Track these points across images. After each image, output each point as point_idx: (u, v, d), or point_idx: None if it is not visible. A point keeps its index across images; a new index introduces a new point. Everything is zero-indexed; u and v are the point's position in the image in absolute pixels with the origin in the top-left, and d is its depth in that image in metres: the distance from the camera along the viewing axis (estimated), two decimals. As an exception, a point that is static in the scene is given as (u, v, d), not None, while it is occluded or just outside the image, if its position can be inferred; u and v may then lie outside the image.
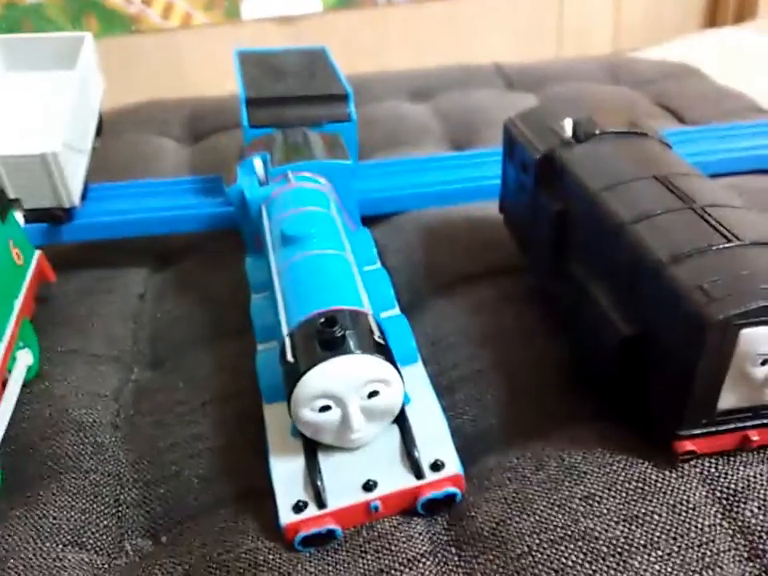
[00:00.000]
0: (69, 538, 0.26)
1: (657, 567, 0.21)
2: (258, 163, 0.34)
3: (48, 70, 0.45)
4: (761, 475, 0.23)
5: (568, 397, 0.29)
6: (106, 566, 0.25)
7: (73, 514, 0.26)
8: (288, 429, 0.26)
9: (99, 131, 0.45)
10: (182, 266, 0.42)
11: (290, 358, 0.24)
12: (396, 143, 0.55)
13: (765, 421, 0.23)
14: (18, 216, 0.36)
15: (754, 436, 0.23)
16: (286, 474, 0.24)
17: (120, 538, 0.26)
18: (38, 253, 0.35)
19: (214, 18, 0.80)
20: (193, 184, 0.44)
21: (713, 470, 0.23)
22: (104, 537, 0.26)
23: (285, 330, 0.25)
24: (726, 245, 0.23)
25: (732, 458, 0.24)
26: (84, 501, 0.27)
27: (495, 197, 0.39)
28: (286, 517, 0.23)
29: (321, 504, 0.23)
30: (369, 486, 0.24)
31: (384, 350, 0.24)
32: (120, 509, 0.27)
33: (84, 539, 0.26)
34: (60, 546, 0.25)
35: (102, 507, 0.27)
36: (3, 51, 0.45)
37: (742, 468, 0.23)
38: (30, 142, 0.36)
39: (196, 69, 0.79)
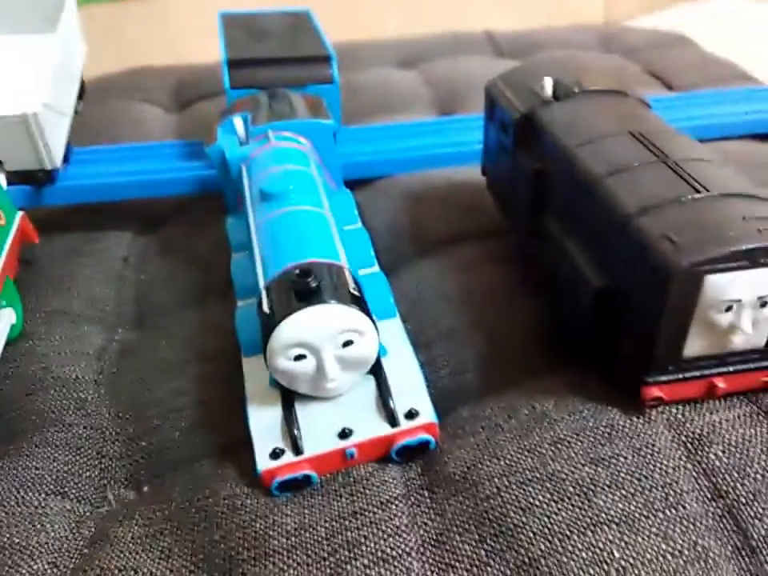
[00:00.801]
0: (52, 487, 0.26)
1: (620, 506, 0.21)
2: (238, 123, 0.34)
3: (29, 33, 0.44)
4: (726, 421, 0.24)
5: (546, 355, 0.30)
6: (88, 513, 0.26)
7: (56, 465, 0.27)
8: (266, 380, 0.26)
9: (81, 94, 0.44)
10: (165, 229, 0.42)
11: (266, 309, 0.24)
12: (384, 109, 0.55)
13: (730, 368, 0.24)
14: (0, 178, 0.36)
15: (720, 383, 0.24)
16: (264, 423, 0.25)
17: (103, 488, 0.27)
18: (20, 213, 0.35)
19: (201, -15, 0.78)
20: (176, 148, 0.44)
21: (679, 416, 0.24)
22: (87, 487, 0.27)
23: (262, 284, 0.26)
24: (695, 196, 0.23)
25: (698, 405, 0.24)
26: (67, 453, 0.28)
27: (478, 161, 0.39)
28: (263, 463, 0.24)
29: (297, 451, 0.24)
30: (345, 434, 0.24)
31: (358, 301, 0.24)
32: (103, 460, 0.28)
33: (67, 489, 0.26)
34: (43, 495, 0.26)
35: (85, 459, 0.28)
36: (-17, 13, 0.44)
37: (707, 414, 0.24)
38: (10, 103, 0.36)
39: (183, 36, 0.78)
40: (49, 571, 0.23)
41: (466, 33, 0.74)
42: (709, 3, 0.92)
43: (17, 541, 0.24)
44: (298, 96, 0.38)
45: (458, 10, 0.90)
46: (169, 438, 0.28)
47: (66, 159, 0.40)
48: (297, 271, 0.24)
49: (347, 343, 0.24)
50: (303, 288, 0.23)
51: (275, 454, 0.24)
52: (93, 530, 0.25)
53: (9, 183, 0.37)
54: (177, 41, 0.78)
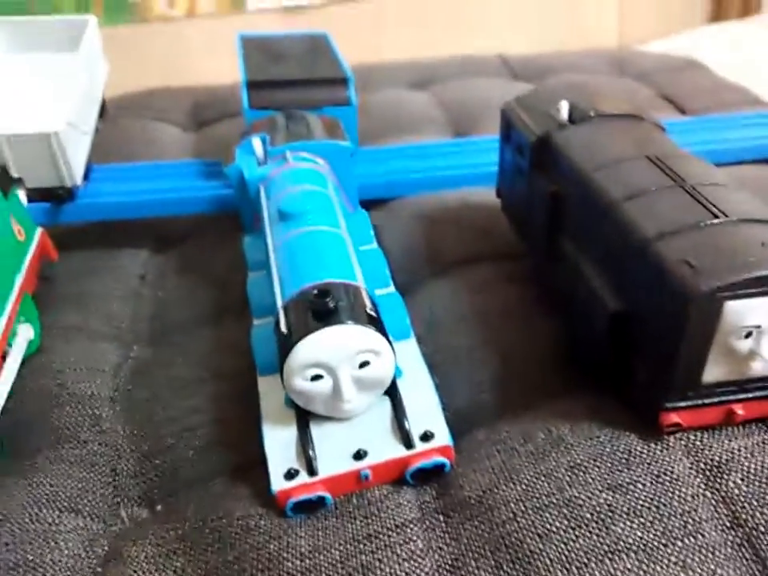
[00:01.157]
0: (65, 504, 0.26)
1: (639, 533, 0.21)
2: (257, 143, 0.34)
3: (53, 52, 0.45)
4: (745, 448, 0.23)
5: (561, 375, 0.30)
6: (101, 531, 0.26)
7: (70, 482, 0.27)
8: (282, 400, 0.26)
9: (102, 113, 0.45)
10: (182, 248, 0.43)
11: (283, 329, 0.24)
12: (399, 131, 0.55)
13: (749, 395, 0.23)
14: (21, 194, 0.36)
15: (739, 410, 0.23)
16: (279, 443, 0.25)
17: (116, 506, 0.27)
18: (39, 230, 0.36)
19: (220, 7, 0.80)
20: (195, 167, 0.45)
21: (697, 442, 0.24)
22: (100, 504, 0.27)
23: (279, 303, 0.26)
24: (713, 221, 0.23)
25: (717, 432, 0.24)
26: (81, 470, 0.28)
27: (493, 183, 0.39)
28: (278, 483, 0.24)
29: (312, 472, 0.24)
30: (359, 455, 0.24)
31: (376, 322, 0.24)
32: (117, 478, 0.28)
33: (80, 506, 0.26)
34: (56, 512, 0.26)
35: (99, 476, 0.28)
36: (8, 33, 0.45)
37: (726, 441, 0.24)
38: (34, 121, 0.37)
39: (201, 58, 0.79)
40: (62, 589, 0.23)
41: (479, 56, 0.75)
42: (721, 28, 0.92)
43: (30, 558, 0.24)
44: (316, 117, 0.39)
45: (471, 34, 0.91)
46: (183, 457, 0.28)
47: (86, 177, 0.41)
48: (314, 291, 0.24)
49: (364, 364, 0.24)
50: (321, 308, 0.23)
51: (290, 475, 0.24)
52: (106, 548, 0.25)
53: (29, 200, 0.37)
54: (194, 62, 0.79)
